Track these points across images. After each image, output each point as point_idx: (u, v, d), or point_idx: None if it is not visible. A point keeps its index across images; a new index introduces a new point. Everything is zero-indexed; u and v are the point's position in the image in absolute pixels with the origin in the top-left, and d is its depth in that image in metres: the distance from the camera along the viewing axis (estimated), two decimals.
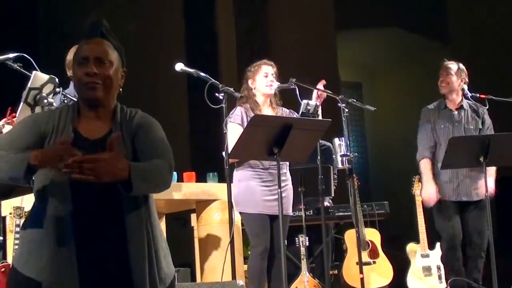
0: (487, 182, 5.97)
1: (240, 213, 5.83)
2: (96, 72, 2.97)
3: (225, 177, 5.61)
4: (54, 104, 4.49)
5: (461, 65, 6.80)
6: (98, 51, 3.00)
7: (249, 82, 5.92)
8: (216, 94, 5.55)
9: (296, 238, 6.70)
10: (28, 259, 2.89)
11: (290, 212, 5.92)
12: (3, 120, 4.67)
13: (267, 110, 5.90)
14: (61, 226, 2.85)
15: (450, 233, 6.58)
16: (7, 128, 4.55)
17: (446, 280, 6.80)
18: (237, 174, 5.81)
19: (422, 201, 6.83)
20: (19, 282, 2.91)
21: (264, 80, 5.89)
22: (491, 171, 6.56)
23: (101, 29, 3.04)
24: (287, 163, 5.88)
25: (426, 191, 6.68)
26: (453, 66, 6.77)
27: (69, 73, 5.07)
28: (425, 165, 6.69)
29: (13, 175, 2.85)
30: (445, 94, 6.78)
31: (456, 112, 6.74)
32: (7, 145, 2.93)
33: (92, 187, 2.78)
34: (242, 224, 6.10)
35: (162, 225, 6.33)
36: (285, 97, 6.08)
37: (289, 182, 5.93)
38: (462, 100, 6.76)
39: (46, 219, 2.87)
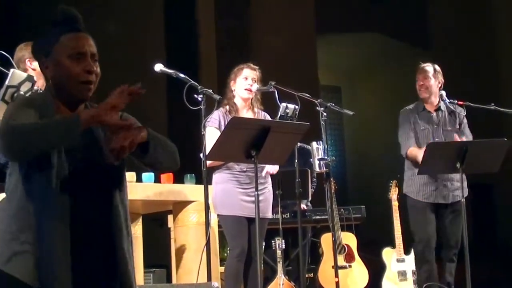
0: (463, 188, 5.99)
1: (218, 215, 5.84)
2: (94, 70, 2.87)
3: (202, 179, 5.61)
4: None
5: (437, 67, 6.79)
6: (93, 48, 2.90)
7: (231, 84, 5.94)
8: (195, 96, 5.54)
9: (273, 241, 6.70)
10: (12, 258, 2.73)
11: (269, 215, 5.94)
12: None
13: (246, 114, 5.90)
14: (57, 225, 2.73)
15: (425, 236, 6.59)
16: None
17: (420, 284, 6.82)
18: (215, 176, 5.83)
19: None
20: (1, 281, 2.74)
21: (243, 83, 5.90)
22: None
23: (82, 24, 2.92)
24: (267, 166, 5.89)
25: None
26: (429, 68, 6.75)
27: (22, 67, 4.97)
28: (412, 150, 6.55)
29: (65, 138, 2.69)
30: (424, 98, 6.79)
31: (434, 114, 6.74)
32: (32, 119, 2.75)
33: (88, 185, 2.79)
34: (219, 226, 6.10)
35: (139, 225, 6.32)
36: (264, 100, 6.09)
37: (269, 185, 5.95)
38: (439, 102, 6.77)
39: (37, 216, 2.73)
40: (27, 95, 4.25)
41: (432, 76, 6.72)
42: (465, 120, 6.78)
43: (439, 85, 6.77)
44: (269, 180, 5.95)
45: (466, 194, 6.49)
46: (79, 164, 2.81)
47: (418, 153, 6.45)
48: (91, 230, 2.82)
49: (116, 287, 2.85)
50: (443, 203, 6.62)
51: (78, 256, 2.77)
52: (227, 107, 5.87)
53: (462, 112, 6.76)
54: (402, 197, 6.89)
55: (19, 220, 2.77)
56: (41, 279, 2.72)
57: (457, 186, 6.52)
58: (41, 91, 3.03)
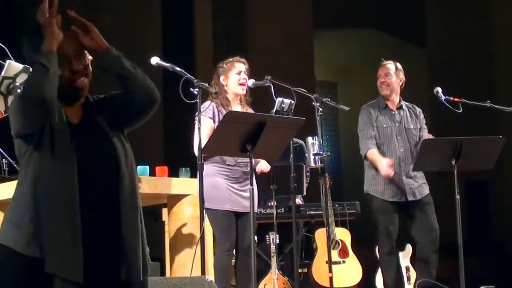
0: (457, 186, 5.97)
1: (206, 209, 5.78)
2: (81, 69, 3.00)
3: (197, 172, 5.59)
4: None
5: (399, 65, 6.78)
6: (77, 46, 3.03)
7: (221, 78, 5.89)
8: (191, 89, 5.53)
9: (267, 236, 6.70)
10: (31, 240, 2.82)
11: (255, 209, 5.93)
12: None
13: (236, 108, 5.88)
14: (67, 203, 2.83)
15: (389, 237, 6.52)
16: None
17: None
18: (204, 168, 5.77)
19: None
20: (19, 263, 2.83)
21: (237, 78, 5.86)
22: None
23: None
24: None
25: (382, 166, 6.43)
26: (391, 66, 6.75)
27: None
28: (372, 153, 6.53)
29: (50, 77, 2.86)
30: (385, 95, 6.77)
31: (396, 112, 6.72)
32: None
33: (96, 162, 2.90)
34: None
35: None
36: (259, 95, 6.08)
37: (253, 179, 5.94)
38: (400, 100, 6.76)
39: (50, 196, 2.83)
40: None
41: (394, 73, 6.71)
42: (424, 121, 6.77)
43: (400, 83, 6.75)
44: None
45: (427, 191, 6.51)
46: (89, 156, 2.92)
47: (378, 160, 6.48)
48: (101, 218, 2.90)
49: (122, 272, 2.91)
50: (409, 201, 6.55)
51: (88, 241, 2.84)
52: (218, 101, 5.84)
53: (421, 112, 6.77)
54: (364, 196, 6.81)
55: (31, 209, 2.85)
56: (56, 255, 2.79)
57: (421, 183, 6.57)
58: None
